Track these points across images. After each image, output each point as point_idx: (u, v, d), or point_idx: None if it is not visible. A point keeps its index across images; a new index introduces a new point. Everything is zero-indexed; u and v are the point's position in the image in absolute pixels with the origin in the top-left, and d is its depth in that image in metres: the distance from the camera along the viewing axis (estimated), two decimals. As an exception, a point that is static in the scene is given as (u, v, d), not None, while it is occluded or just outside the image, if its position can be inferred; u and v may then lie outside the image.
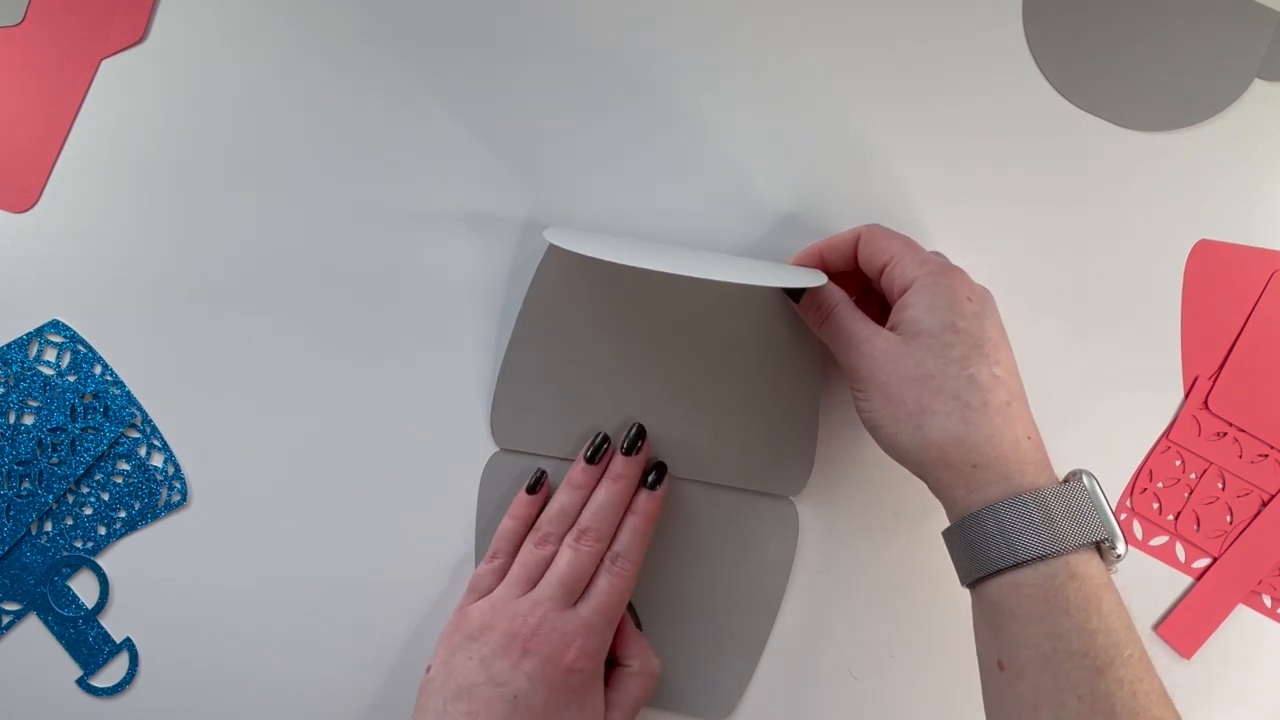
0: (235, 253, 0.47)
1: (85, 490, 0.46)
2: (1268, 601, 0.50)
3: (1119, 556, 0.37)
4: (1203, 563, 0.49)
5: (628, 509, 0.45)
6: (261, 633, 0.46)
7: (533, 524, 0.45)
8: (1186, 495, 0.50)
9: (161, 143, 0.47)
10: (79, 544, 0.46)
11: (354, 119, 0.47)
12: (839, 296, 0.43)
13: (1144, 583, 0.49)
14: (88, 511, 0.46)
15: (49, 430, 0.46)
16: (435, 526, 0.47)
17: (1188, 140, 0.50)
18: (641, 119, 0.48)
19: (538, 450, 0.47)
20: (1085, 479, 0.38)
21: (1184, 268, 0.50)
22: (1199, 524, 0.49)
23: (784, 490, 0.47)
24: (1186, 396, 0.50)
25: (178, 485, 0.46)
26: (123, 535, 0.46)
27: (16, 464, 0.45)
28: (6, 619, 0.46)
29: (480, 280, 0.47)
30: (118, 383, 0.46)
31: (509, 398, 0.47)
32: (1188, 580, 0.50)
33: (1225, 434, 0.49)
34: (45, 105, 0.46)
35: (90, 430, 0.46)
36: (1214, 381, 0.49)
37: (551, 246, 0.47)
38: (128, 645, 0.46)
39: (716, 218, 0.48)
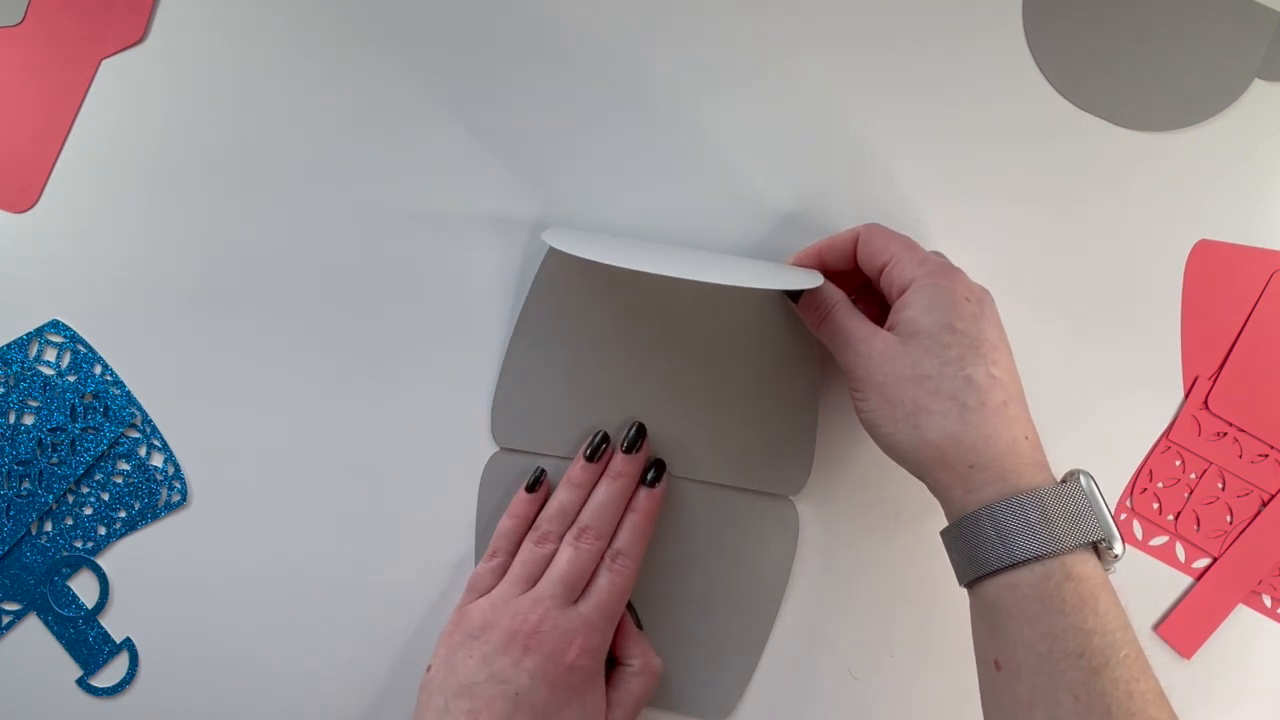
0: (235, 253, 0.47)
1: (85, 490, 0.46)
2: (1268, 601, 0.50)
3: (1116, 557, 0.37)
4: (1203, 563, 0.49)
5: (627, 507, 0.45)
6: (261, 632, 0.46)
7: (532, 523, 0.45)
8: (1186, 495, 0.50)
9: (161, 143, 0.47)
10: (79, 544, 0.46)
11: (354, 119, 0.47)
12: (837, 297, 0.43)
13: (1144, 583, 0.49)
14: (88, 511, 0.46)
15: (49, 430, 0.46)
16: (435, 526, 0.47)
17: (1188, 140, 0.50)
18: (642, 119, 0.48)
19: (538, 449, 0.47)
20: (1083, 479, 0.38)
21: (1184, 268, 0.50)
22: (1199, 524, 0.49)
23: (784, 490, 0.47)
24: (1186, 396, 0.50)
25: (178, 485, 0.46)
26: (123, 535, 0.46)
27: (16, 464, 0.45)
28: (6, 619, 0.46)
29: (481, 280, 0.47)
30: (118, 383, 0.46)
31: (509, 397, 0.47)
32: (1188, 580, 0.50)
33: (1225, 434, 0.49)
34: (45, 105, 0.46)
35: (90, 430, 0.46)
36: (1214, 381, 0.49)
37: (553, 247, 0.47)
38: (128, 645, 0.46)
39: (716, 218, 0.48)
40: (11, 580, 0.46)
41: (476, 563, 0.46)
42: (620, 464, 0.45)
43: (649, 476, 0.45)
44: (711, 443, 0.47)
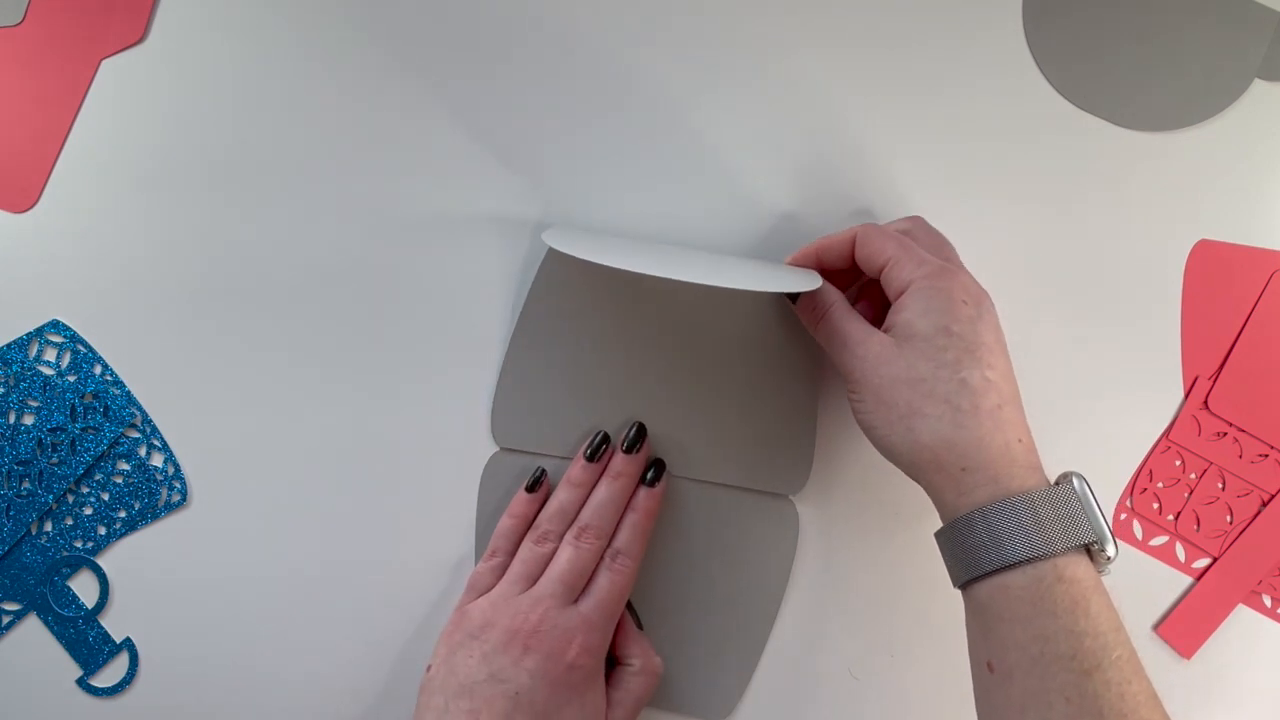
0: (235, 253, 0.47)
1: (85, 490, 0.46)
2: (1268, 601, 0.50)
3: (1109, 559, 0.37)
4: (1203, 563, 0.49)
5: (627, 506, 0.45)
6: (261, 632, 0.46)
7: (532, 522, 0.45)
8: (1186, 495, 0.50)
9: (161, 143, 0.47)
10: (79, 544, 0.46)
11: (354, 119, 0.47)
12: (834, 297, 0.43)
13: (1144, 583, 0.49)
14: (88, 511, 0.46)
15: (49, 430, 0.46)
16: (435, 526, 0.47)
17: (1188, 140, 0.50)
18: (642, 119, 0.48)
19: (538, 449, 0.47)
20: (1075, 481, 0.38)
21: (1184, 268, 0.50)
22: (1199, 524, 0.49)
23: (784, 489, 0.47)
24: (1186, 396, 0.50)
25: (178, 485, 0.46)
26: (123, 535, 0.46)
27: (16, 464, 0.45)
28: (6, 619, 0.46)
29: (481, 280, 0.47)
30: (118, 383, 0.46)
31: (509, 397, 0.47)
32: (1188, 580, 0.50)
33: (1225, 434, 0.49)
34: (45, 105, 0.46)
35: (90, 430, 0.46)
36: (1214, 381, 0.49)
37: (553, 248, 0.47)
38: (128, 645, 0.46)
39: (716, 217, 0.48)
40: (11, 580, 0.46)
41: (476, 563, 0.46)
42: (620, 464, 0.45)
43: (649, 476, 0.45)
44: (711, 442, 0.47)
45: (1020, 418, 0.39)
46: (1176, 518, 0.50)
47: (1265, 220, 0.50)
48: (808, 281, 0.41)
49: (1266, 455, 0.49)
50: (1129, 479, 0.50)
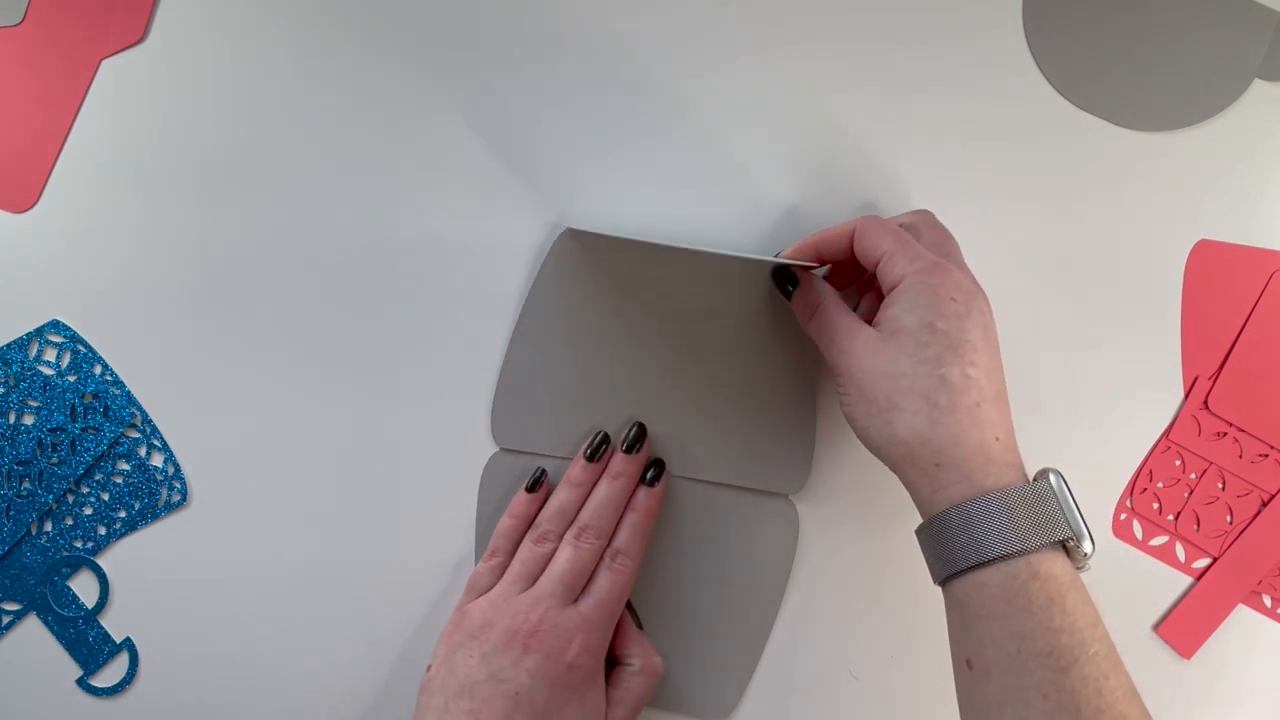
0: (235, 252, 0.47)
1: (85, 490, 0.46)
2: (1268, 601, 0.50)
3: (1086, 555, 0.37)
4: (1203, 563, 0.49)
5: (627, 506, 0.45)
6: (261, 632, 0.46)
7: (532, 522, 0.45)
8: (1186, 495, 0.50)
9: (161, 143, 0.47)
10: (79, 544, 0.46)
11: (354, 118, 0.47)
12: (826, 292, 0.43)
13: (1144, 583, 0.49)
14: (88, 511, 0.46)
15: (49, 430, 0.46)
16: (435, 526, 0.47)
17: (1188, 140, 0.50)
18: (644, 118, 0.48)
19: (538, 450, 0.47)
20: (1052, 478, 0.38)
21: (1184, 268, 0.50)
22: (1199, 524, 0.49)
23: (783, 489, 0.47)
24: (1186, 396, 0.50)
25: (178, 485, 0.46)
26: (123, 535, 0.46)
27: (16, 464, 0.45)
28: (6, 619, 0.46)
29: (481, 281, 0.47)
30: (118, 383, 0.46)
31: (509, 397, 0.47)
32: (1188, 580, 0.50)
33: (1225, 434, 0.49)
34: (45, 105, 0.46)
35: (90, 430, 0.46)
36: (1214, 381, 0.49)
37: (553, 249, 0.47)
38: (128, 645, 0.46)
39: (716, 218, 0.48)
40: (11, 580, 0.46)
41: (476, 563, 0.46)
42: (620, 464, 0.45)
43: (649, 476, 0.45)
44: (711, 442, 0.47)
45: (1001, 416, 0.39)
46: (1176, 518, 0.50)
47: (1265, 220, 0.50)
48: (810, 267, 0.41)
49: (1266, 455, 0.49)
50: (1129, 479, 0.50)
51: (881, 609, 0.48)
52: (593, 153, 0.48)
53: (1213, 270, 0.50)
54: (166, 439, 0.46)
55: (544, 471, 0.46)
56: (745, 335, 0.47)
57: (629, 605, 0.45)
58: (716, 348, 0.47)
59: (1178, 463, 0.50)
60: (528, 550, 0.44)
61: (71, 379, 0.46)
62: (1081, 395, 0.49)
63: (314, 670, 0.47)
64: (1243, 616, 0.49)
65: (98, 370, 0.46)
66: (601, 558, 0.43)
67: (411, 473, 0.47)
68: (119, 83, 0.47)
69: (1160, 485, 0.50)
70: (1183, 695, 0.49)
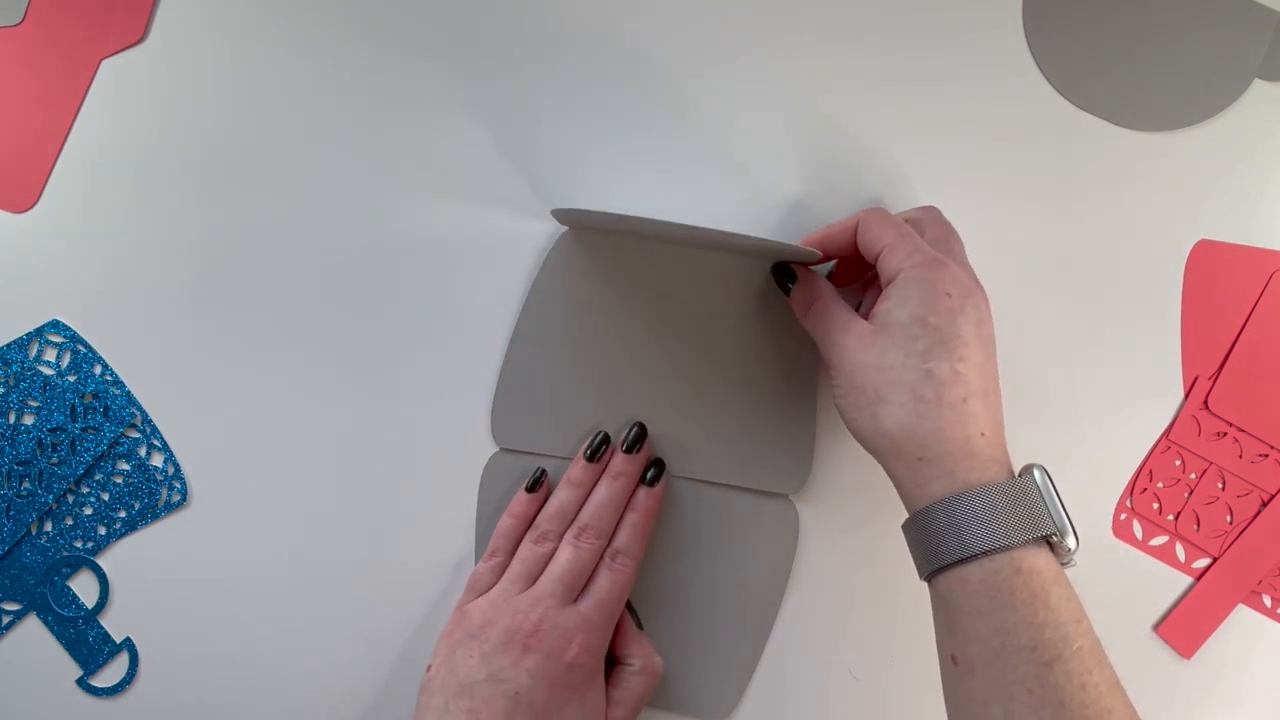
0: (235, 252, 0.47)
1: (85, 490, 0.46)
2: (1268, 601, 0.50)
3: (1070, 551, 0.37)
4: (1203, 563, 0.49)
5: (627, 506, 0.45)
6: (261, 632, 0.46)
7: (532, 522, 0.45)
8: (1186, 495, 0.50)
9: (161, 143, 0.47)
10: (79, 544, 0.46)
11: (354, 118, 0.47)
12: (823, 287, 0.43)
13: (1144, 583, 0.49)
14: (88, 511, 0.46)
15: (49, 430, 0.46)
16: (435, 526, 0.47)
17: (1188, 140, 0.50)
18: (645, 118, 0.48)
19: (538, 450, 0.47)
20: (1036, 474, 0.38)
21: (1184, 268, 0.50)
22: (1199, 524, 0.49)
23: (783, 489, 0.47)
24: (1186, 396, 0.50)
25: (178, 485, 0.46)
26: (123, 535, 0.46)
27: (16, 464, 0.45)
28: (6, 619, 0.46)
29: (482, 280, 0.47)
30: (118, 383, 0.46)
31: (509, 397, 0.47)
32: (1188, 580, 0.50)
33: (1225, 434, 0.49)
34: (45, 105, 0.46)
35: (90, 430, 0.46)
36: (1214, 381, 0.49)
37: (553, 249, 0.47)
38: (128, 645, 0.46)
39: (718, 218, 0.48)
40: (11, 580, 0.46)
41: (476, 563, 0.46)
42: (620, 464, 0.45)
43: (649, 476, 0.45)
44: (711, 442, 0.47)
45: (989, 412, 0.39)
46: (1176, 518, 0.50)
47: (1265, 220, 0.50)
48: (809, 255, 0.41)
49: (1266, 455, 0.49)
50: (1129, 479, 0.50)
51: (882, 609, 0.48)
52: (594, 152, 0.48)
53: (1213, 270, 0.50)
54: (166, 439, 0.46)
55: (544, 471, 0.46)
56: (745, 335, 0.47)
57: (629, 605, 0.45)
58: (717, 348, 0.47)
59: (1178, 463, 0.50)
60: (528, 550, 0.44)
61: (71, 379, 0.46)
62: (1081, 395, 0.49)
63: (314, 670, 0.47)
64: (1243, 616, 0.49)
65: (98, 370, 0.46)
66: (601, 558, 0.43)
67: (411, 473, 0.47)
68: (119, 83, 0.47)
69: (1160, 485, 0.50)
70: (1183, 695, 0.49)
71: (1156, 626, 0.49)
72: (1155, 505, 0.49)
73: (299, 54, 0.47)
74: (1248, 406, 0.49)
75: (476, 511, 0.47)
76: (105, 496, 0.46)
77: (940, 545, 0.37)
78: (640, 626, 0.46)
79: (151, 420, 0.46)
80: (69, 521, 0.46)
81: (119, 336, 0.46)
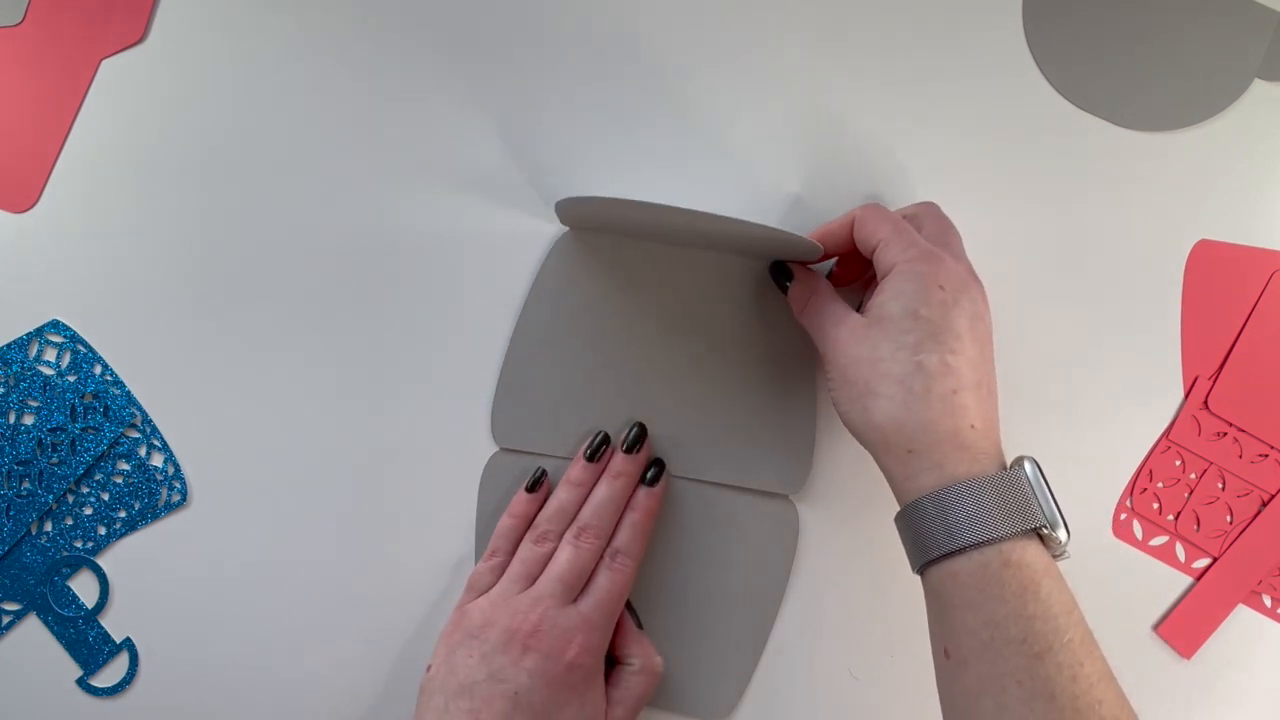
0: (235, 252, 0.47)
1: (85, 490, 0.46)
2: (1268, 601, 0.50)
3: (1061, 543, 0.37)
4: (1203, 563, 0.49)
5: (627, 506, 0.45)
6: (261, 632, 0.46)
7: (532, 522, 0.45)
8: (1186, 495, 0.50)
9: (161, 143, 0.47)
10: (79, 544, 0.46)
11: (354, 118, 0.47)
12: (819, 284, 0.43)
13: (1144, 583, 0.49)
14: (88, 511, 0.46)
15: (49, 430, 0.46)
16: (435, 526, 0.47)
17: (1188, 140, 0.50)
18: (647, 117, 0.48)
19: (538, 449, 0.47)
20: (1027, 466, 0.38)
21: (1184, 268, 0.50)
22: (1199, 524, 0.49)
23: (783, 489, 0.47)
24: (1186, 396, 0.50)
25: (178, 485, 0.46)
26: (123, 535, 0.46)
27: (16, 464, 0.45)
28: (6, 619, 0.46)
29: (481, 281, 0.47)
30: (118, 383, 0.46)
31: (509, 397, 0.47)
32: (1188, 580, 0.50)
33: (1225, 434, 0.49)
34: (45, 105, 0.46)
35: (90, 430, 0.46)
36: (1214, 381, 0.49)
37: (553, 249, 0.47)
38: (128, 645, 0.46)
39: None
40: (11, 580, 0.46)
41: (476, 563, 0.46)
42: (620, 463, 0.45)
43: (649, 476, 0.45)
44: (711, 442, 0.47)
45: (981, 405, 0.38)
46: (1176, 518, 0.50)
47: (1265, 220, 0.50)
48: (811, 246, 0.41)
49: (1266, 455, 0.49)
50: (1129, 479, 0.50)
51: (881, 609, 0.48)
52: (595, 152, 0.48)
53: (1213, 270, 0.50)
54: (166, 439, 0.46)
55: (544, 471, 0.46)
56: (745, 335, 0.47)
57: (629, 605, 0.45)
58: (717, 348, 0.47)
59: (1178, 463, 0.50)
60: (527, 550, 0.44)
61: (71, 379, 0.46)
62: (1081, 395, 0.49)
63: (314, 670, 0.46)
64: (1243, 616, 0.49)
65: (98, 370, 0.46)
66: (601, 557, 0.43)
67: (411, 473, 0.47)
68: (119, 83, 0.47)
69: (1160, 485, 0.50)
70: (1183, 695, 0.49)
71: (1156, 626, 0.49)
72: (1155, 505, 0.49)
73: (299, 54, 0.47)
74: (1248, 406, 0.49)
75: (476, 511, 0.47)
76: (105, 496, 0.46)
77: (929, 538, 0.37)
78: (640, 626, 0.46)
79: (151, 420, 0.46)
80: (69, 521, 0.46)
81: (119, 336, 0.46)
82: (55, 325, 0.46)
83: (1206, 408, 0.49)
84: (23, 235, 0.46)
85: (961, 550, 0.36)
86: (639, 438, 0.45)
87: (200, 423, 0.46)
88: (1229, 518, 0.49)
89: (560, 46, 0.48)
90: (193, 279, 0.47)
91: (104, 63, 0.47)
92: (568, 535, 0.43)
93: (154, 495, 0.46)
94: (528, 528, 0.45)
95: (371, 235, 0.47)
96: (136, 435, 0.46)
